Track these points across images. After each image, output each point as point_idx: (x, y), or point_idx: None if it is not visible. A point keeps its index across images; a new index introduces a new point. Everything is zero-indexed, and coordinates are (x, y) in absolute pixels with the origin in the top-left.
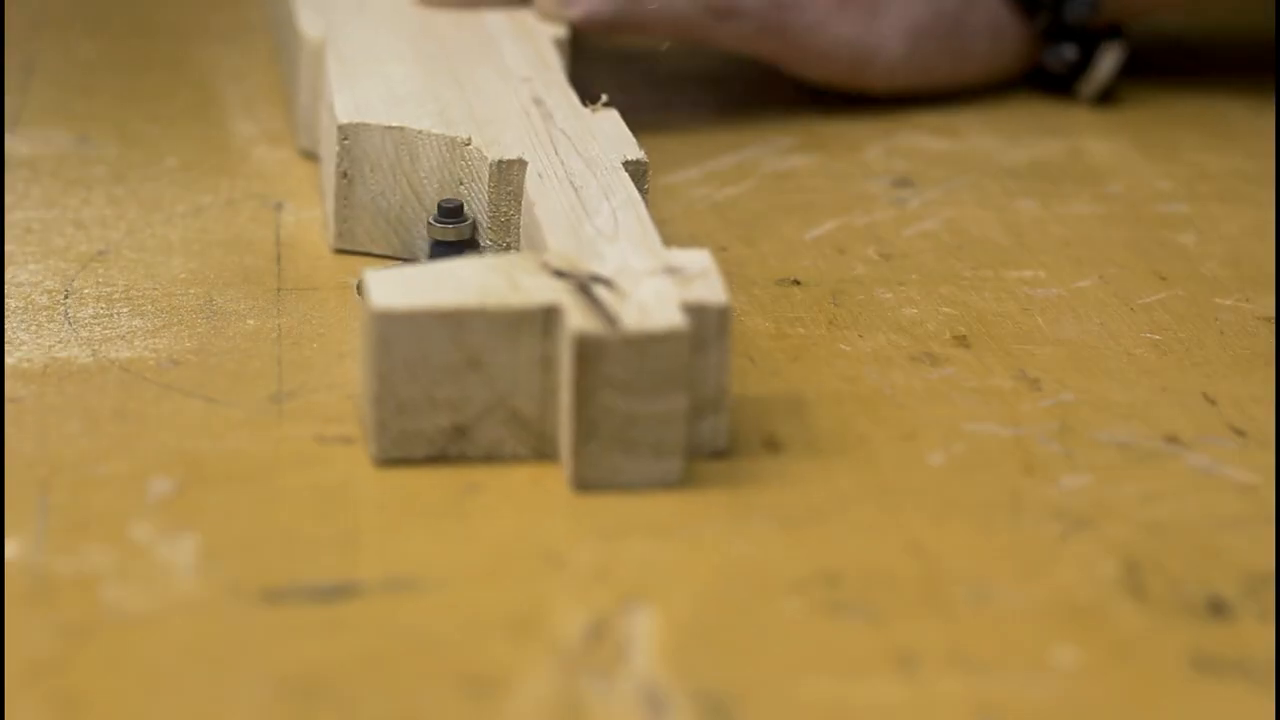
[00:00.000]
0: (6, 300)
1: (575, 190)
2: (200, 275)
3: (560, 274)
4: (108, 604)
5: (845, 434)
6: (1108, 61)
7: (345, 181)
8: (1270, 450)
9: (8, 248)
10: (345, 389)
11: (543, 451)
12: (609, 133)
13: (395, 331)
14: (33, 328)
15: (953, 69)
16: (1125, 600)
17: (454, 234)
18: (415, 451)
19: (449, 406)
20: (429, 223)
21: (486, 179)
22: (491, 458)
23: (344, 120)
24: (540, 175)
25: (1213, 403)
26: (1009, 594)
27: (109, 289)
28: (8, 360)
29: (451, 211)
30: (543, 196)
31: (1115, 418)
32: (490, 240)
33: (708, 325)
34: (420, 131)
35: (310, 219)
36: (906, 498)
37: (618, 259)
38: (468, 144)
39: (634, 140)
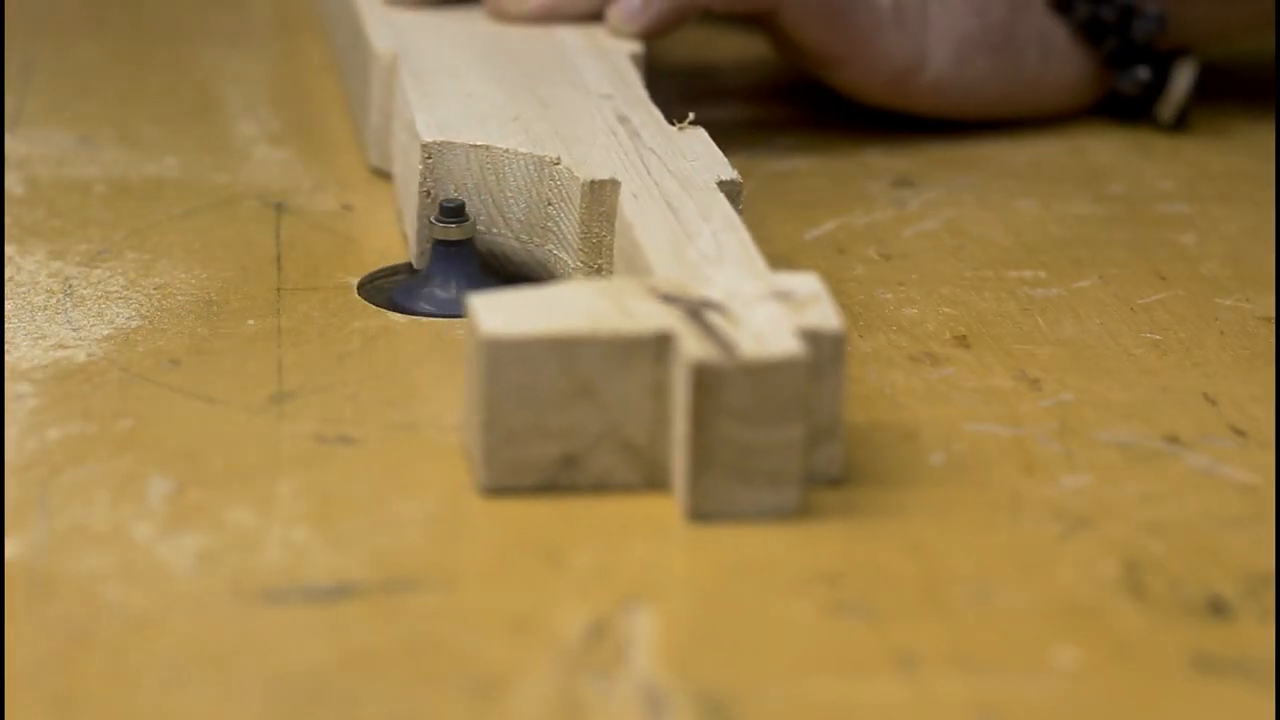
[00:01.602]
0: (6, 300)
1: (673, 212)
2: (200, 275)
3: (669, 299)
4: (108, 604)
5: (845, 434)
6: (1183, 79)
7: (429, 201)
8: (1270, 450)
9: (8, 248)
10: (345, 389)
11: (653, 481)
12: (699, 152)
13: (505, 358)
14: (33, 328)
15: (1004, 89)
16: (1125, 600)
17: (456, 233)
18: (524, 480)
19: (559, 435)
20: (430, 221)
21: (578, 199)
22: (601, 487)
23: (428, 139)
24: (635, 196)
25: (1213, 403)
26: (1009, 594)
27: (109, 289)
28: (8, 360)
29: (453, 211)
30: (641, 218)
31: (1115, 418)
32: (580, 262)
33: (823, 352)
34: (507, 151)
35: (310, 219)
36: (906, 497)
37: (725, 283)
38: (557, 163)
39: (725, 159)
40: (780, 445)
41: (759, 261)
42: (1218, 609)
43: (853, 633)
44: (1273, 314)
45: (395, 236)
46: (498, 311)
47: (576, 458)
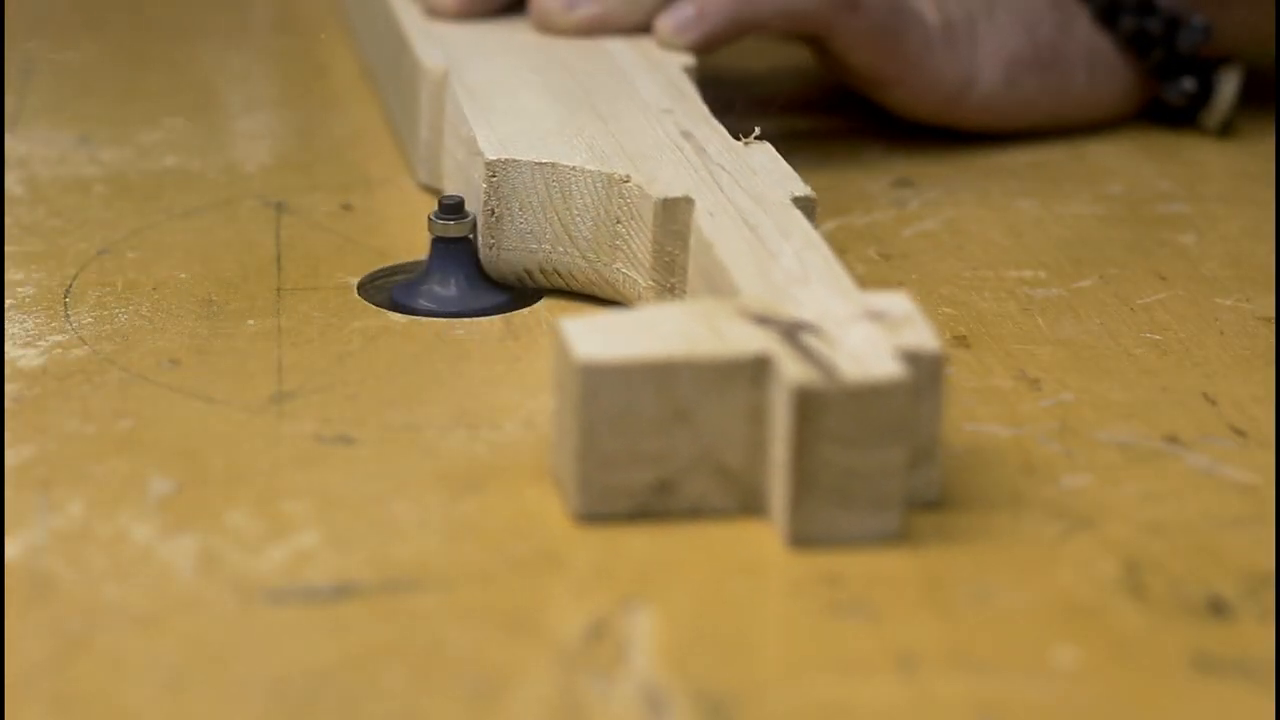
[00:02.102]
0: (6, 300)
1: (751, 230)
2: (200, 275)
3: (762, 320)
4: (108, 604)
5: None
6: (1228, 88)
7: (493, 220)
8: (1270, 450)
9: (8, 248)
10: (345, 389)
11: (749, 506)
12: (768, 167)
13: (602, 384)
14: (33, 328)
15: (1053, 105)
16: (1125, 600)
17: (456, 230)
18: (618, 507)
19: (654, 460)
20: (430, 219)
21: (650, 218)
22: (695, 513)
23: (491, 156)
24: (711, 214)
25: (1213, 403)
26: (1009, 594)
27: (109, 289)
28: (7, 360)
29: (453, 208)
30: (721, 237)
31: (1115, 418)
32: (652, 281)
33: (922, 373)
34: (574, 168)
35: (310, 219)
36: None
37: (816, 303)
38: (626, 181)
39: (795, 174)
40: (882, 469)
41: (847, 280)
42: (1218, 609)
43: (852, 632)
44: (1273, 314)
45: (395, 236)
46: (591, 336)
47: (671, 483)
